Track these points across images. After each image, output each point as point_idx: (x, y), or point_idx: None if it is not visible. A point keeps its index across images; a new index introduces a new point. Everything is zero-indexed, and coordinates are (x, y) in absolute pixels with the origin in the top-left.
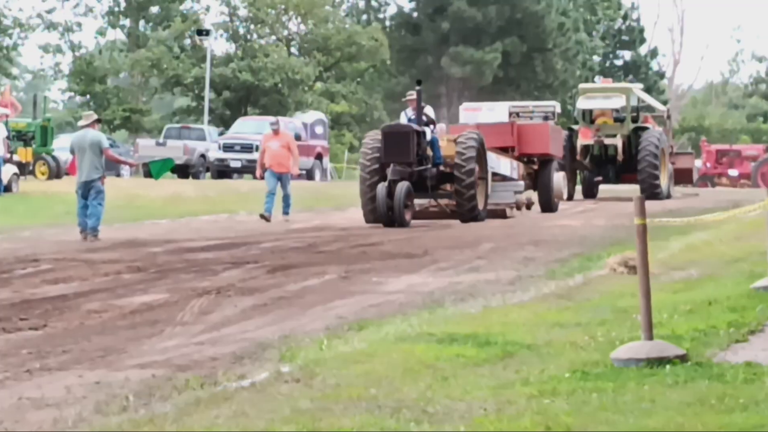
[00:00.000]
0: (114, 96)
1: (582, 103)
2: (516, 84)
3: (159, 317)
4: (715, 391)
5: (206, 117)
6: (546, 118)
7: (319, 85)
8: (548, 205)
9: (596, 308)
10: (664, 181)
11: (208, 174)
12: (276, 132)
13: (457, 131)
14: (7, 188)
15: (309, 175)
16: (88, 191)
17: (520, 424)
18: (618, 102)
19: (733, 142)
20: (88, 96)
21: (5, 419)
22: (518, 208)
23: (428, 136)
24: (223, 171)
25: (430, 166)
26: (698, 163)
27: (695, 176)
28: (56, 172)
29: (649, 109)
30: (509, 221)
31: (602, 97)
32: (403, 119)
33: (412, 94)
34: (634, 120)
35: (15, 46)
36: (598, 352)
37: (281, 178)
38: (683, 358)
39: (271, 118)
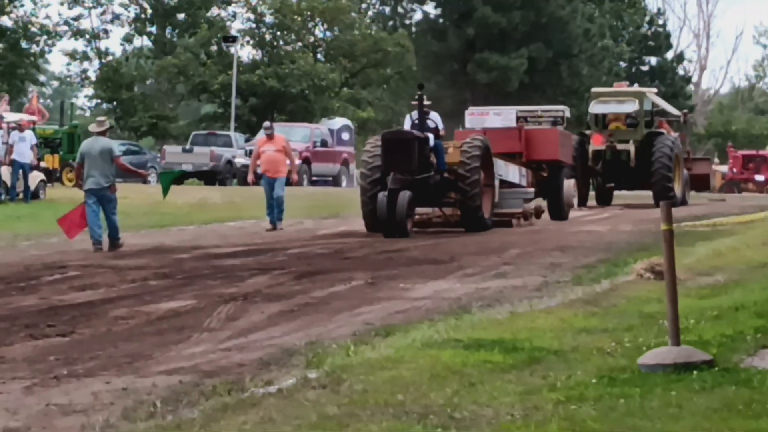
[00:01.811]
0: (140, 103)
1: (594, 108)
2: (542, 90)
3: (186, 323)
4: (742, 397)
5: (233, 123)
6: (555, 123)
7: (345, 91)
8: (559, 213)
9: (623, 314)
10: (678, 187)
11: (235, 180)
12: (270, 137)
13: (462, 136)
14: (35, 195)
15: (335, 181)
16: (99, 200)
17: (547, 430)
18: (631, 106)
19: (759, 147)
20: (114, 103)
21: (33, 425)
22: (525, 217)
23: (431, 142)
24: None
25: (433, 173)
26: (724, 168)
27: (712, 182)
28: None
29: (664, 113)
30: (536, 227)
31: (615, 101)
32: (407, 123)
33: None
34: (648, 125)
35: (42, 53)
36: (625, 358)
37: (275, 182)
38: (710, 364)
39: (266, 123)
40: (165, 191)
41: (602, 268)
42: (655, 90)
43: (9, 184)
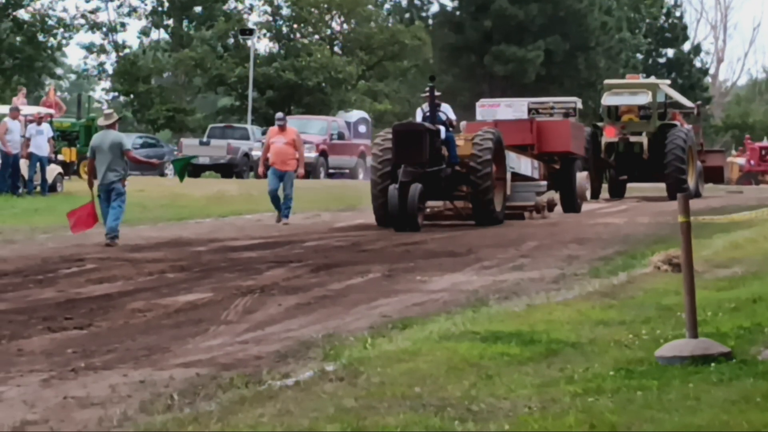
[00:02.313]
0: (158, 96)
1: (607, 100)
2: (559, 82)
3: (203, 316)
4: (760, 389)
5: (249, 116)
6: (567, 115)
7: (362, 84)
8: (571, 205)
9: (640, 306)
10: (691, 179)
11: (252, 173)
12: (282, 128)
13: (474, 129)
14: (52, 188)
15: (352, 173)
16: (108, 194)
17: (564, 423)
18: (644, 98)
19: None
20: (131, 96)
21: (51, 418)
22: (538, 210)
23: (443, 135)
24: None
25: (444, 166)
26: (742, 160)
27: (727, 174)
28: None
29: (678, 105)
30: (552, 219)
31: (628, 93)
32: (418, 116)
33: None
34: (662, 117)
35: (59, 46)
36: (643, 350)
37: (284, 176)
38: (728, 356)
39: (279, 114)
40: (180, 176)
41: (619, 260)
42: (668, 82)
43: (26, 177)
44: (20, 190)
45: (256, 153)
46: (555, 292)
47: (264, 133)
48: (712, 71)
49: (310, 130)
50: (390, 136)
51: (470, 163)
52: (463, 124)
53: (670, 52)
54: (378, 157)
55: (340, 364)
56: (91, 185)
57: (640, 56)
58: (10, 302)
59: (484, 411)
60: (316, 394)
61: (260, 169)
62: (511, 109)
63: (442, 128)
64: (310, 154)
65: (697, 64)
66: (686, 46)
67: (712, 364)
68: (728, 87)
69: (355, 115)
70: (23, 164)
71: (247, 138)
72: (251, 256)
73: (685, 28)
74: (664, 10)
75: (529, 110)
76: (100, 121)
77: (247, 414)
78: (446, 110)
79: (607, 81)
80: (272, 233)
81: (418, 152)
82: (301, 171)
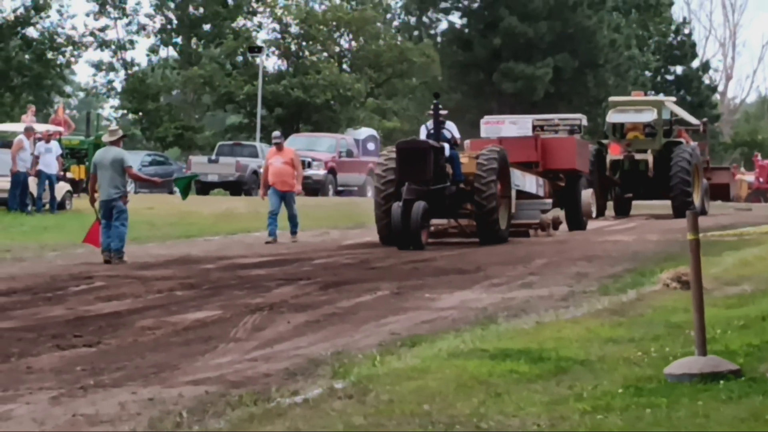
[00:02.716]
0: (166, 113)
1: (612, 117)
2: (568, 99)
3: (212, 334)
4: None
5: (258, 134)
6: (572, 132)
7: (370, 101)
8: (577, 223)
9: (649, 324)
10: (697, 197)
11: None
12: (279, 148)
13: (478, 146)
14: (61, 205)
15: (361, 191)
16: (110, 211)
17: None
18: (649, 116)
19: None
20: (140, 113)
21: None
22: (542, 228)
23: (447, 152)
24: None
25: (448, 184)
26: (751, 178)
27: (734, 192)
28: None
29: (683, 122)
30: (561, 237)
31: (633, 110)
32: (422, 133)
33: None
34: (667, 134)
35: (68, 64)
36: (652, 368)
37: (285, 197)
38: (737, 374)
39: (276, 133)
40: (184, 194)
41: (629, 277)
42: (673, 99)
43: (35, 194)
44: (29, 208)
45: None
46: (564, 310)
47: None
48: (721, 88)
49: (319, 147)
50: (393, 155)
51: (475, 184)
52: (466, 143)
53: (679, 69)
54: (381, 178)
55: (349, 381)
56: (92, 202)
57: (648, 74)
58: (19, 320)
59: (493, 429)
60: (325, 412)
61: (261, 192)
62: (516, 126)
63: (447, 146)
64: (319, 172)
65: (706, 81)
66: (695, 64)
67: (721, 382)
68: (737, 104)
69: (364, 132)
70: (32, 182)
71: (256, 156)
72: (260, 274)
73: (693, 45)
74: (673, 28)
75: (534, 127)
76: (105, 138)
77: (256, 431)
78: (451, 128)
79: (611, 98)
80: (281, 251)
81: (422, 170)
82: (299, 188)
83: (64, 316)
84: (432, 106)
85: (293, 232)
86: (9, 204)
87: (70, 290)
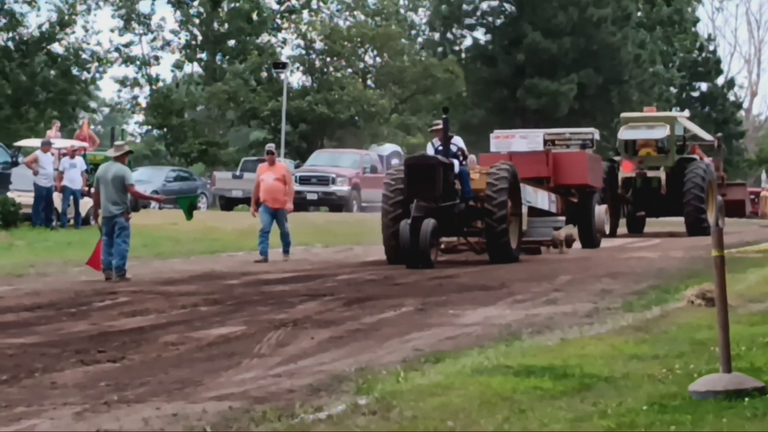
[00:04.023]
0: (191, 129)
1: (624, 134)
2: (592, 116)
3: (236, 349)
4: None
5: (282, 149)
6: (584, 146)
7: (394, 117)
8: (589, 240)
9: (674, 341)
10: (711, 215)
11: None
12: (271, 162)
13: (488, 161)
14: (85, 221)
15: None
16: (112, 228)
17: None
18: (662, 132)
19: None
20: (165, 129)
21: None
22: (555, 245)
23: (456, 168)
24: (299, 203)
25: (458, 201)
26: None
27: (748, 208)
28: (133, 205)
29: (697, 138)
30: (585, 253)
31: (645, 126)
32: (429, 150)
33: (438, 124)
34: (680, 150)
35: (93, 79)
36: (676, 385)
37: (276, 214)
38: (762, 391)
39: (269, 145)
40: (187, 214)
41: (653, 294)
42: (687, 114)
43: (60, 210)
44: (54, 224)
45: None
46: (588, 327)
47: (297, 166)
48: (745, 105)
49: (343, 163)
50: (401, 174)
51: (486, 205)
52: (472, 157)
53: (704, 85)
54: (388, 198)
55: (372, 397)
56: (96, 217)
57: (673, 90)
58: (43, 335)
59: None
60: (349, 428)
61: (252, 210)
62: (526, 140)
63: (456, 162)
64: (343, 188)
65: (731, 97)
66: (720, 80)
67: (746, 399)
68: (762, 121)
69: (388, 148)
70: (56, 197)
71: None
72: (284, 290)
73: (718, 61)
74: (698, 44)
75: (545, 142)
76: (110, 152)
77: None
78: (457, 141)
79: (623, 114)
80: (304, 266)
81: (431, 187)
82: (290, 206)
83: (88, 332)
84: (440, 121)
85: (285, 251)
86: (33, 219)
87: (94, 305)
